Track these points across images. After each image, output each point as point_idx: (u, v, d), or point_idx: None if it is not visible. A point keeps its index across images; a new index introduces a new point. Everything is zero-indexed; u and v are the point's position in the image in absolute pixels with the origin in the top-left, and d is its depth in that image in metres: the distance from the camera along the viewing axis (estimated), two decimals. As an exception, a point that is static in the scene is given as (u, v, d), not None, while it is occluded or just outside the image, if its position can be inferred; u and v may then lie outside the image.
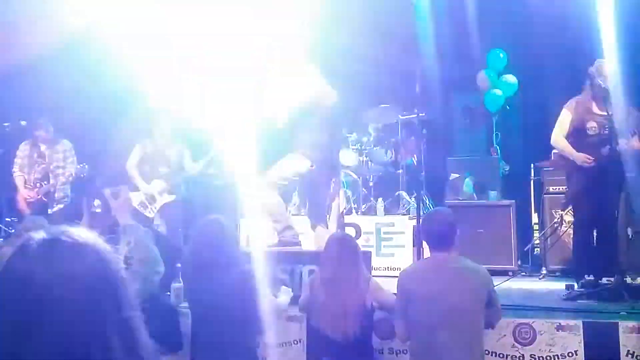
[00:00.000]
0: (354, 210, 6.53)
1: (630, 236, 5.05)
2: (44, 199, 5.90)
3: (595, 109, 4.35)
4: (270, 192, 4.41)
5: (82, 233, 1.02)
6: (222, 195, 7.41)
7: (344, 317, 3.03)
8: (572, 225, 4.80)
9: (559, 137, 4.50)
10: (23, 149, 6.06)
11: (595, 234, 4.44)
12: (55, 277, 0.94)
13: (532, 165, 5.77)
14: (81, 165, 6.00)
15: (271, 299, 3.40)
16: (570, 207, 4.75)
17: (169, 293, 3.84)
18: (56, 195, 5.97)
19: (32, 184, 5.92)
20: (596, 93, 4.34)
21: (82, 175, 5.96)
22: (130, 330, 0.98)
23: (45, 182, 5.93)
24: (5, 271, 0.95)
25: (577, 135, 4.40)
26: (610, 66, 4.27)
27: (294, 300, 3.62)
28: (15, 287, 0.94)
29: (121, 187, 2.45)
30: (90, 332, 0.93)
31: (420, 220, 3.75)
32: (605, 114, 4.29)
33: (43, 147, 6.03)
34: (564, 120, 4.50)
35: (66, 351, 0.91)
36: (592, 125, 4.31)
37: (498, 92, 6.92)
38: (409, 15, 7.70)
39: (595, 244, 4.44)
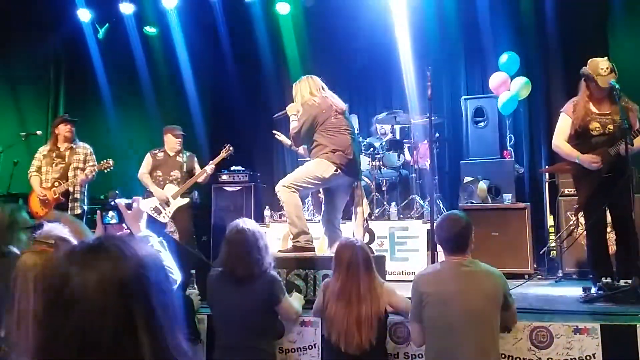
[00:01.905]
0: (367, 215, 6.53)
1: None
2: (61, 198, 5.66)
3: (594, 109, 4.28)
4: (290, 195, 4.42)
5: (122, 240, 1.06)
6: (235, 200, 7.47)
7: (358, 329, 2.99)
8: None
9: (561, 142, 4.39)
10: (42, 150, 5.87)
11: (610, 236, 4.38)
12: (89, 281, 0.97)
13: (539, 170, 5.67)
14: (105, 160, 5.75)
15: (289, 304, 3.41)
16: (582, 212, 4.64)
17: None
18: (72, 198, 5.72)
19: (49, 184, 5.69)
20: (592, 93, 4.29)
21: (106, 170, 5.75)
22: (161, 334, 1.00)
23: (64, 181, 5.69)
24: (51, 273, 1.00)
25: (581, 138, 4.32)
26: (605, 64, 4.22)
27: (309, 305, 3.62)
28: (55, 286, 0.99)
29: (134, 198, 2.47)
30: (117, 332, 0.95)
31: (434, 224, 3.73)
32: (606, 112, 4.24)
33: (63, 148, 5.81)
34: (564, 124, 4.39)
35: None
36: (595, 125, 4.25)
37: (511, 95, 6.88)
38: (421, 19, 7.73)
39: (609, 247, 4.38)
